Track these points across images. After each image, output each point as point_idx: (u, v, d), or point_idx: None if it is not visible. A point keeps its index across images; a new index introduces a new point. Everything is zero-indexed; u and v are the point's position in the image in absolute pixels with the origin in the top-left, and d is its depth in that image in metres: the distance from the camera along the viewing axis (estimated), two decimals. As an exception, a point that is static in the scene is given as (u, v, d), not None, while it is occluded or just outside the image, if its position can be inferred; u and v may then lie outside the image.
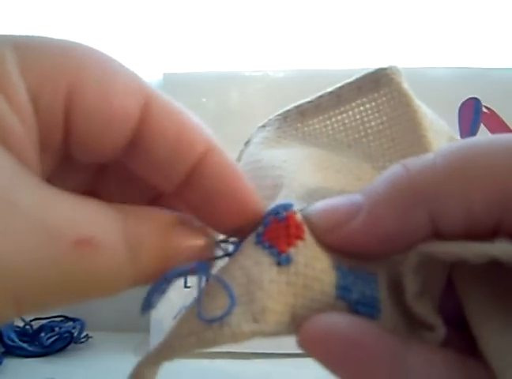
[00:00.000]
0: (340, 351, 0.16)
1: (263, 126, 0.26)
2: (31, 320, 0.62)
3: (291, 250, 0.18)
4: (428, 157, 0.17)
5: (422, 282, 0.18)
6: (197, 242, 0.18)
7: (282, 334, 0.17)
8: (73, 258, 0.15)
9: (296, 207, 0.19)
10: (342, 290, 0.17)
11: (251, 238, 0.18)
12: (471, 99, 0.69)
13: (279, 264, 0.17)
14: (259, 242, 0.18)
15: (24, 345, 0.58)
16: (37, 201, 0.15)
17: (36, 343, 0.59)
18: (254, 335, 0.16)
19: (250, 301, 0.17)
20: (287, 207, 0.19)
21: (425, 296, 0.18)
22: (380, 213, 0.17)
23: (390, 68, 0.24)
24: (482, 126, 0.69)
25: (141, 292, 0.19)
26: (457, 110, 0.69)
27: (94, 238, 0.15)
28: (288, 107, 0.25)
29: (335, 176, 0.22)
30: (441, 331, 0.18)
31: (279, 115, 0.26)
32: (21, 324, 0.62)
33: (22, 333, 0.60)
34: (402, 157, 0.21)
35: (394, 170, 0.18)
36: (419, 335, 0.18)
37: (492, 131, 0.70)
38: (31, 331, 0.61)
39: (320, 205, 0.19)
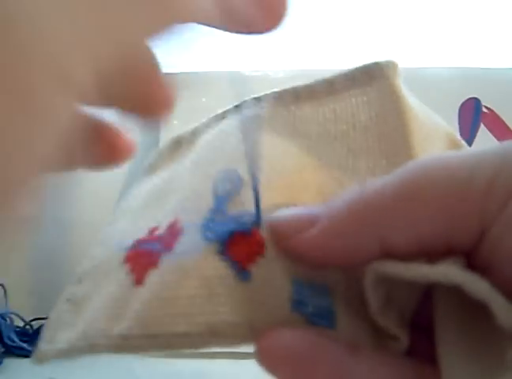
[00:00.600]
0: (285, 362, 0.17)
1: (258, 99, 0.26)
2: (31, 320, 0.62)
3: (252, 267, 0.18)
4: (384, 180, 0.18)
5: (384, 295, 0.18)
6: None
7: (240, 346, 0.18)
8: None
9: (262, 219, 0.19)
10: (297, 304, 0.18)
11: (214, 248, 0.19)
12: (471, 99, 0.69)
13: (240, 279, 0.18)
14: (223, 253, 0.19)
15: (24, 345, 0.58)
16: None
17: (36, 343, 0.59)
18: (208, 346, 0.18)
19: (212, 312, 0.18)
20: (254, 222, 0.19)
21: (390, 307, 0.18)
22: (333, 229, 0.18)
23: (386, 62, 0.23)
24: (482, 126, 0.69)
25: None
26: (457, 110, 0.69)
27: None
28: (285, 87, 0.25)
29: (312, 175, 0.22)
30: (404, 341, 0.18)
31: (276, 93, 0.25)
32: (21, 324, 0.62)
33: (22, 333, 0.60)
34: (385, 158, 0.22)
35: (352, 191, 0.18)
36: (384, 343, 0.18)
37: (492, 131, 0.70)
38: (31, 331, 0.61)
39: (283, 213, 0.20)
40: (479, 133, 0.69)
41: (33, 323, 0.62)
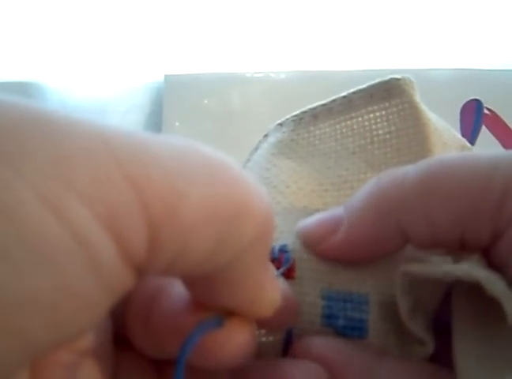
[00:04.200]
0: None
1: (280, 125, 0.27)
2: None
3: None
4: (402, 170, 0.19)
5: (414, 299, 0.19)
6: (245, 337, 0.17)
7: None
8: None
9: (290, 246, 0.21)
10: (328, 319, 0.19)
11: None
12: (473, 100, 0.69)
13: None
14: None
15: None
16: None
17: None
18: None
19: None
20: (282, 248, 0.21)
21: (418, 312, 0.19)
22: (356, 225, 0.19)
23: (404, 78, 0.24)
24: (484, 128, 0.69)
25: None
26: (458, 112, 0.69)
27: None
28: (304, 108, 0.26)
29: (331, 196, 0.23)
30: (430, 346, 0.19)
31: (295, 116, 0.26)
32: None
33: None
34: None
35: (370, 183, 0.19)
36: (411, 348, 0.19)
37: (494, 133, 0.70)
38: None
39: (308, 222, 0.21)
40: (480, 135, 0.69)
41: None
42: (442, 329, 0.19)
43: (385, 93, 0.24)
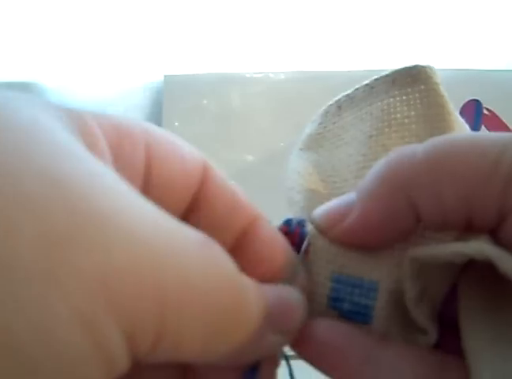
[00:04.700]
0: (316, 352, 0.19)
1: (313, 120, 0.27)
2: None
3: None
4: (412, 148, 0.19)
5: (421, 287, 0.19)
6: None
7: None
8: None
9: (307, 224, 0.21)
10: (333, 301, 0.20)
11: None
12: (472, 100, 0.69)
13: None
14: None
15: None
16: None
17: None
18: None
19: None
20: (299, 221, 0.21)
21: (424, 301, 0.19)
22: (368, 206, 0.19)
23: (429, 66, 0.24)
24: (483, 128, 0.69)
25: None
26: (457, 112, 0.69)
27: None
28: (330, 101, 0.26)
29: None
30: (433, 335, 0.19)
31: (322, 110, 0.26)
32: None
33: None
34: None
35: (379, 163, 0.19)
36: (413, 337, 0.19)
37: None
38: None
39: (322, 207, 0.21)
40: (480, 135, 0.69)
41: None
42: (445, 324, 0.19)
43: (410, 78, 0.23)
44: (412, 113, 0.23)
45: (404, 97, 0.23)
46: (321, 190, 0.23)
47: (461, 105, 0.69)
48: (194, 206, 0.19)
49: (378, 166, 0.19)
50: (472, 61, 0.72)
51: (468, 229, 0.18)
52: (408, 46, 0.71)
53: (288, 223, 0.21)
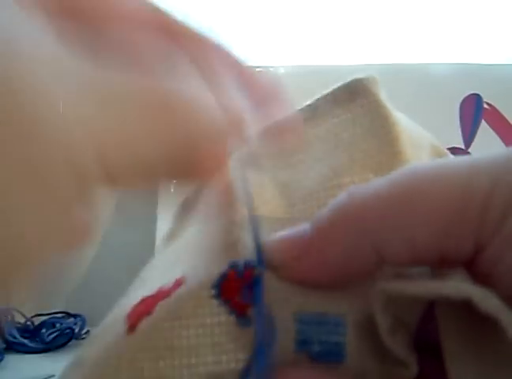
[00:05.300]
0: None
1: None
2: (32, 317, 0.62)
3: (249, 312, 0.18)
4: (374, 185, 0.17)
5: (393, 317, 0.18)
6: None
7: None
8: None
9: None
10: (301, 344, 0.18)
11: (205, 291, 0.18)
12: (472, 95, 0.69)
13: (241, 326, 0.18)
14: (217, 297, 0.18)
15: (25, 341, 0.58)
16: None
17: (37, 339, 0.59)
18: None
19: (215, 362, 0.18)
20: (248, 264, 0.19)
21: (399, 332, 0.18)
22: (327, 250, 0.18)
23: (367, 78, 0.22)
24: (483, 122, 0.69)
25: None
26: (458, 106, 0.69)
27: None
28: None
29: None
30: (413, 368, 0.18)
31: (263, 129, 0.25)
32: (22, 320, 0.62)
33: (23, 329, 0.61)
34: (373, 171, 0.21)
35: (340, 198, 0.18)
36: (391, 372, 0.18)
37: (493, 127, 0.70)
38: (32, 327, 0.61)
39: (273, 242, 0.19)
40: (480, 129, 0.69)
41: (34, 319, 0.62)
42: (423, 347, 0.18)
43: (349, 94, 0.23)
44: (358, 130, 0.22)
45: (348, 115, 0.22)
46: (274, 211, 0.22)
47: (461, 99, 0.69)
48: None
49: (338, 205, 0.18)
50: (472, 55, 0.72)
51: (441, 263, 0.17)
52: (408, 40, 0.71)
53: (233, 266, 0.19)
